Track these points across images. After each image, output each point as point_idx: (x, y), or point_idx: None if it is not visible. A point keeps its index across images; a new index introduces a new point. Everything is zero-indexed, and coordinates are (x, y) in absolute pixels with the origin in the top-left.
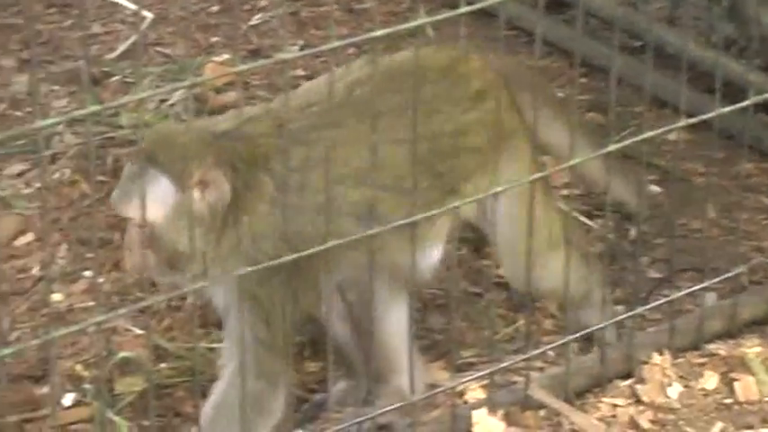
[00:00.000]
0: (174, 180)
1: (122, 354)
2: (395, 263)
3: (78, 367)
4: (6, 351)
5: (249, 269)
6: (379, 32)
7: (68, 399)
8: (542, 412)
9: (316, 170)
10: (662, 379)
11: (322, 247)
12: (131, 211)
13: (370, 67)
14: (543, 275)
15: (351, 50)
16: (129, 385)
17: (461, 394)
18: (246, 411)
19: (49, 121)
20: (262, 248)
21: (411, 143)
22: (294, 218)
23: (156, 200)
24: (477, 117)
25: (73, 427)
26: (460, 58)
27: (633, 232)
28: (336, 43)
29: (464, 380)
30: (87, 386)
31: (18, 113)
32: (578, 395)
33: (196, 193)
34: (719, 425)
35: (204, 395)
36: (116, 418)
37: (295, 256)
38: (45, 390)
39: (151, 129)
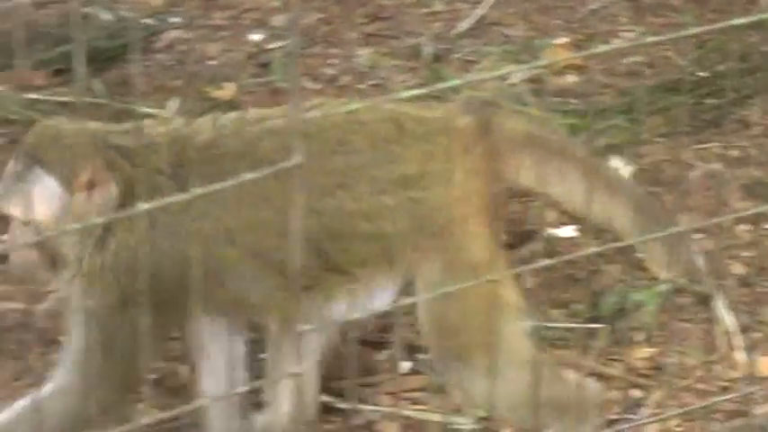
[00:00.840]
0: (60, 180)
1: None
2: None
3: (415, 337)
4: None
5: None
6: (737, 21)
7: (405, 367)
8: None
9: (193, 220)
10: None
11: None
12: (15, 209)
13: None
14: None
15: (693, 40)
16: None
17: None
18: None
19: (395, 96)
20: (123, 279)
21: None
22: (162, 261)
23: (42, 200)
24: (392, 203)
25: (407, 394)
26: (413, 132)
27: None
28: (693, 30)
29: None
30: (422, 356)
31: (360, 86)
32: None
33: (82, 195)
34: None
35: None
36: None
37: None
38: (382, 356)
39: (36, 127)
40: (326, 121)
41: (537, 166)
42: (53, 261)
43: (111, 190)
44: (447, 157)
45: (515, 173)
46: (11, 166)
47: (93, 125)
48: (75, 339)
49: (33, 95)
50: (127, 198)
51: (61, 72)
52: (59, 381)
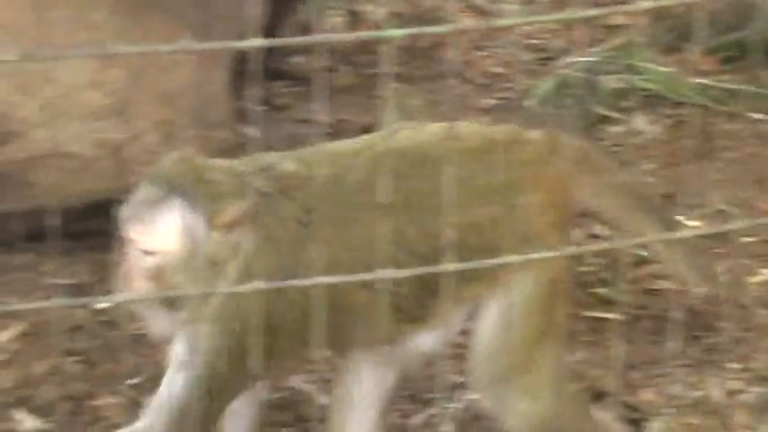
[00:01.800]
0: (201, 215)
1: None
2: (382, 344)
3: None
4: None
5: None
6: None
7: None
8: None
9: (319, 250)
10: None
11: None
12: (141, 235)
13: (400, 141)
14: (512, 400)
15: None
16: None
17: None
18: None
19: None
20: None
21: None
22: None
23: (176, 231)
24: (498, 212)
25: None
26: (508, 141)
27: None
28: None
29: None
30: None
31: None
32: None
33: (220, 234)
34: None
35: None
36: None
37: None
38: None
39: (173, 157)
40: (422, 143)
41: (594, 184)
42: (167, 298)
43: (248, 234)
44: (532, 166)
45: (578, 189)
46: (143, 191)
47: (228, 163)
48: (179, 382)
49: (703, 80)
50: (263, 244)
51: (731, 59)
52: (148, 421)
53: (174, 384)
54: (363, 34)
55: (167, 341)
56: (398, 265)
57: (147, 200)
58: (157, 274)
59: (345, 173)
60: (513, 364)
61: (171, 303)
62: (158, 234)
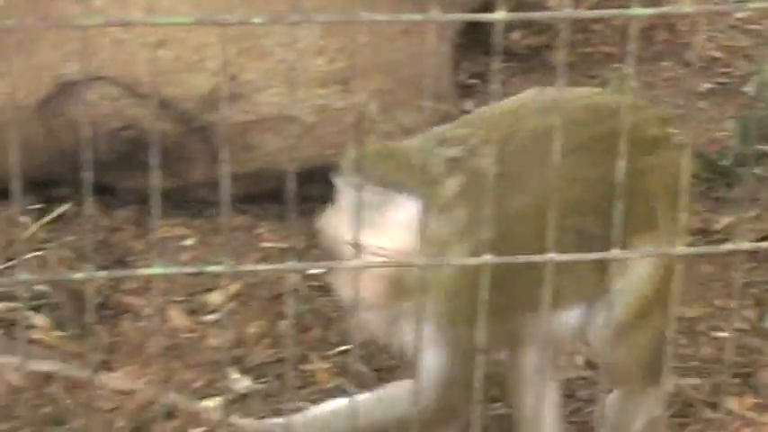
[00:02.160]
0: (421, 203)
1: None
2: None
3: None
4: None
5: None
6: None
7: None
8: None
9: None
10: None
11: None
12: (372, 238)
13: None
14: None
15: None
16: None
17: None
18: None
19: None
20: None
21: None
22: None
23: (403, 225)
24: (654, 162)
25: None
26: (633, 104)
27: None
28: None
29: None
30: None
31: None
32: None
33: (442, 216)
34: None
35: None
36: None
37: None
38: None
39: (366, 151)
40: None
41: None
42: (394, 292)
43: (463, 211)
44: (665, 123)
45: None
46: (349, 195)
47: (416, 144)
48: (435, 365)
49: None
50: (473, 218)
51: None
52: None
53: (430, 365)
54: (608, 12)
55: (386, 338)
56: (586, 209)
57: (371, 203)
58: (389, 272)
59: (516, 126)
60: (637, 310)
61: (397, 297)
62: (388, 234)
